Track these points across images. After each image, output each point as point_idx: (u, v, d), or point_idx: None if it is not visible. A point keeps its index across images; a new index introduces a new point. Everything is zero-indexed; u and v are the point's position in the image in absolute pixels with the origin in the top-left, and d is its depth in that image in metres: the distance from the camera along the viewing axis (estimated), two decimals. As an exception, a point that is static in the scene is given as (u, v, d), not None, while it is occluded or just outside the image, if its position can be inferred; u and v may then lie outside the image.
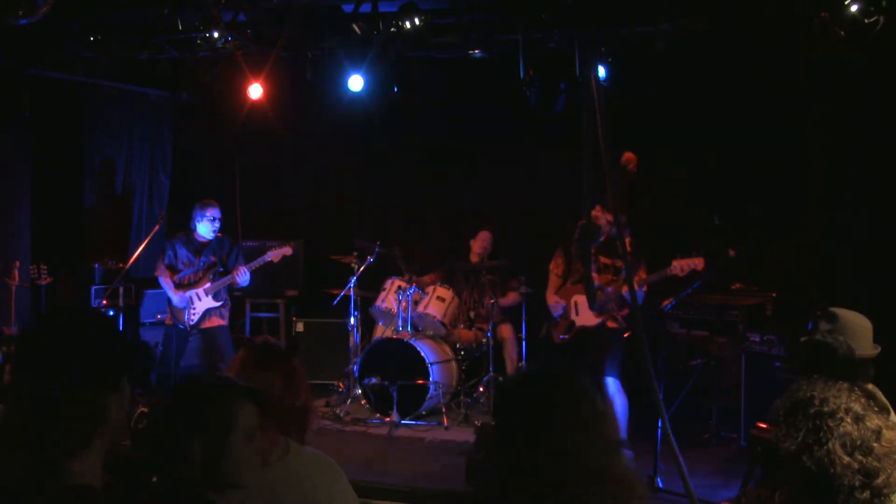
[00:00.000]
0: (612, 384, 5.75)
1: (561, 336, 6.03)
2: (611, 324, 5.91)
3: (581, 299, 5.93)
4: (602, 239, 5.87)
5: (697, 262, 5.52)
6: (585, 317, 5.90)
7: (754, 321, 6.30)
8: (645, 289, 5.69)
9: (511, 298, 7.52)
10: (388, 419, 6.70)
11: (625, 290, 5.69)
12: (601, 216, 5.78)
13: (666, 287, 5.91)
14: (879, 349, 3.44)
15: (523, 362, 7.03)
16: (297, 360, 2.53)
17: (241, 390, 2.00)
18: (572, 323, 5.97)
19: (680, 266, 5.53)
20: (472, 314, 7.65)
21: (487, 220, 7.88)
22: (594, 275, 5.86)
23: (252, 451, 1.97)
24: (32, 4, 4.94)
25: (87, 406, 1.61)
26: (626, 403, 5.77)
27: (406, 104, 7.40)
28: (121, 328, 7.60)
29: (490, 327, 7.05)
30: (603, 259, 5.91)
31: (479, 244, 7.65)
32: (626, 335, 6.07)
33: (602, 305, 5.80)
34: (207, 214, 6.66)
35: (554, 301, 6.09)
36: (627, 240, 5.69)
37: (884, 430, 1.65)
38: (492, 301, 7.12)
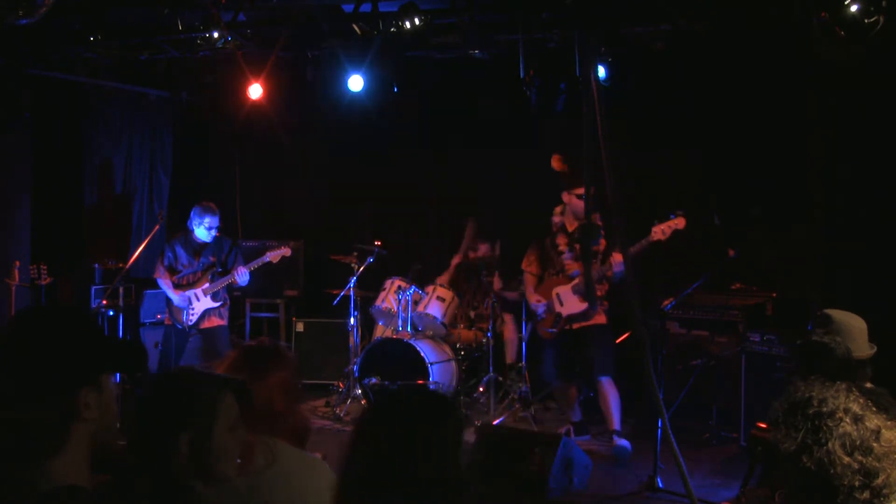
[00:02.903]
0: (605, 382, 5.81)
1: (549, 330, 6.08)
2: (596, 319, 5.94)
3: (562, 290, 6.01)
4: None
5: (678, 223, 5.51)
6: (570, 305, 5.97)
7: (754, 321, 6.30)
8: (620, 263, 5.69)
9: (497, 286, 7.52)
10: (388, 419, 6.69)
11: (613, 262, 5.76)
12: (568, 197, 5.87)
13: (666, 287, 5.92)
14: (876, 349, 3.44)
15: (523, 363, 7.03)
16: (287, 364, 2.47)
17: (220, 381, 2.00)
18: (558, 315, 6.01)
19: (661, 230, 5.51)
20: (472, 314, 7.65)
21: (469, 210, 7.88)
22: (570, 262, 5.94)
23: (234, 442, 1.96)
24: (32, 4, 4.93)
25: (57, 404, 1.59)
26: (619, 398, 5.86)
27: (406, 104, 7.40)
28: (121, 328, 7.61)
29: (490, 327, 7.05)
30: (578, 246, 5.96)
31: (468, 236, 7.67)
32: (624, 336, 6.10)
33: (584, 291, 5.85)
34: (206, 222, 6.63)
35: (535, 300, 6.14)
36: (596, 215, 5.77)
37: (883, 430, 1.65)
38: (492, 301, 7.12)
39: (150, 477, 1.84)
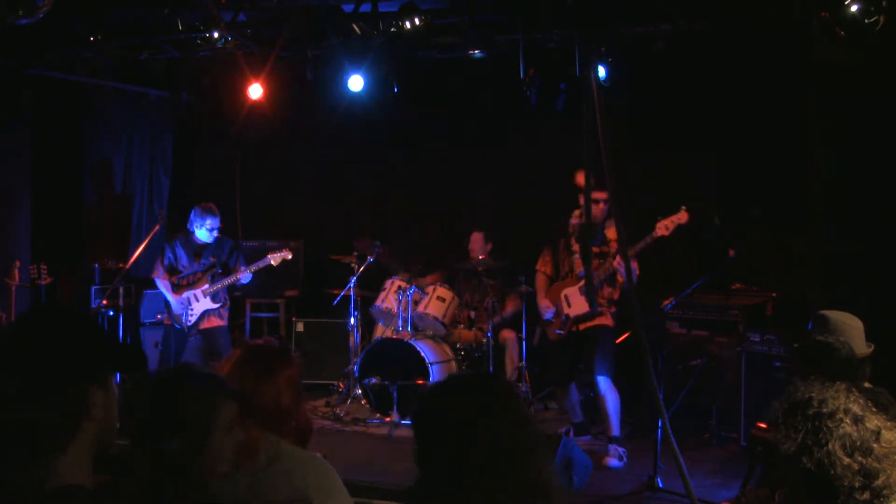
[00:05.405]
0: (602, 382, 5.79)
1: (557, 331, 6.08)
2: (602, 320, 5.94)
3: (570, 291, 6.01)
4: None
5: (680, 217, 5.53)
6: (578, 306, 5.96)
7: (754, 321, 6.29)
8: (637, 268, 5.67)
9: (511, 307, 7.50)
10: (388, 419, 6.70)
11: (616, 262, 5.74)
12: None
13: (666, 287, 5.92)
14: (873, 347, 3.44)
15: (524, 363, 7.03)
16: (294, 362, 2.49)
17: (223, 389, 2.00)
18: (566, 316, 6.01)
19: (664, 225, 5.53)
20: (472, 314, 7.64)
21: (478, 220, 7.83)
22: (581, 262, 5.92)
23: (230, 442, 1.96)
24: (32, 4, 4.93)
25: (66, 403, 1.60)
26: (618, 400, 5.83)
27: (406, 104, 7.40)
28: (121, 328, 7.61)
29: (490, 327, 7.05)
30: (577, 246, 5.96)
31: (475, 246, 7.63)
32: (624, 336, 6.10)
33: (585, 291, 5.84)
34: (207, 223, 6.63)
35: (544, 305, 6.13)
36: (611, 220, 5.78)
37: (883, 431, 1.65)
38: (492, 301, 7.11)
39: (150, 473, 1.84)
